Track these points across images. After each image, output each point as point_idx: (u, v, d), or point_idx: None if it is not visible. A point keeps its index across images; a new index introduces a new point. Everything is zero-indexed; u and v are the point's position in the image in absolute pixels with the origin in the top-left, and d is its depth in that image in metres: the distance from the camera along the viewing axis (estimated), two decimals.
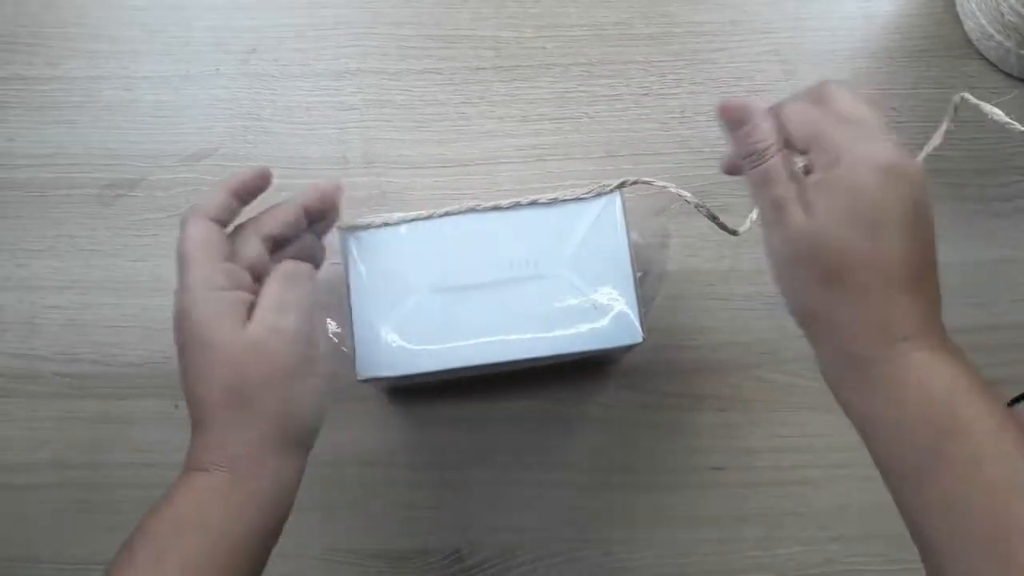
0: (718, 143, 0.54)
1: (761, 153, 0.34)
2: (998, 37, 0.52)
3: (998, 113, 0.37)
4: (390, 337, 0.42)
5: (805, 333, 0.34)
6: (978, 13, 0.53)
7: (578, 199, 0.43)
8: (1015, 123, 0.37)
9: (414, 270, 0.42)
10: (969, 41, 0.55)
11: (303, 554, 0.48)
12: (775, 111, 0.34)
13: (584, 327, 0.42)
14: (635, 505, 0.49)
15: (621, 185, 0.43)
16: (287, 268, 0.38)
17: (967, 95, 0.37)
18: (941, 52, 0.55)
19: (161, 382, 0.51)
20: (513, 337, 0.42)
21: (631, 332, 0.42)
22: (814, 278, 0.33)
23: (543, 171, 0.54)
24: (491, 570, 0.49)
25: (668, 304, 0.51)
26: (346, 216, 0.43)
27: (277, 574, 0.37)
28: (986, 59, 0.55)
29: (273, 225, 0.39)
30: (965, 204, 0.53)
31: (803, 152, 0.34)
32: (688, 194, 0.42)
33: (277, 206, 0.40)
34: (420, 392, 0.50)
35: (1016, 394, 0.48)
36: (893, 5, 0.57)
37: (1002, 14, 0.51)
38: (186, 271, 0.37)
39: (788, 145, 0.34)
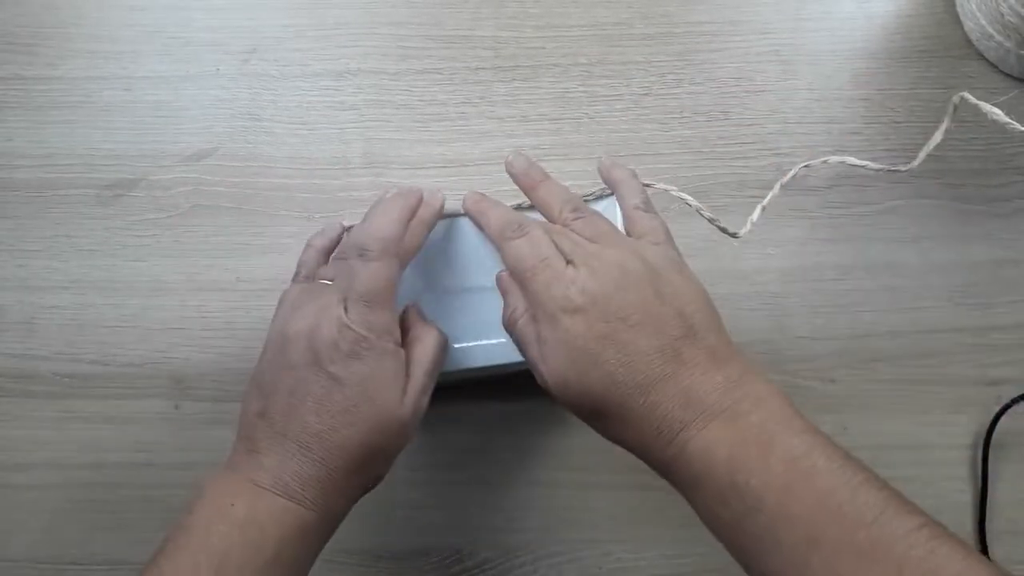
0: (718, 143, 0.54)
1: (511, 319, 0.37)
2: (998, 37, 0.52)
3: (998, 113, 0.37)
4: None
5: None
6: (978, 13, 0.53)
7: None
8: (1015, 123, 0.37)
9: (414, 273, 0.42)
10: (969, 41, 0.55)
11: None
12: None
13: None
14: (635, 505, 0.49)
15: None
16: (439, 342, 0.39)
17: (967, 95, 0.38)
18: (941, 52, 0.55)
19: (161, 382, 0.51)
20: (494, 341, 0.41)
21: None
22: (589, 420, 0.35)
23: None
24: (491, 570, 0.48)
25: None
26: (348, 217, 0.43)
27: None
28: (986, 59, 0.55)
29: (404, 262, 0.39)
30: (965, 204, 0.53)
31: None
32: (689, 197, 0.42)
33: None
34: None
35: (1016, 394, 0.48)
36: (893, 5, 0.57)
37: (1002, 14, 0.51)
38: (371, 310, 0.36)
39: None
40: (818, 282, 0.52)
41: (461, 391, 0.50)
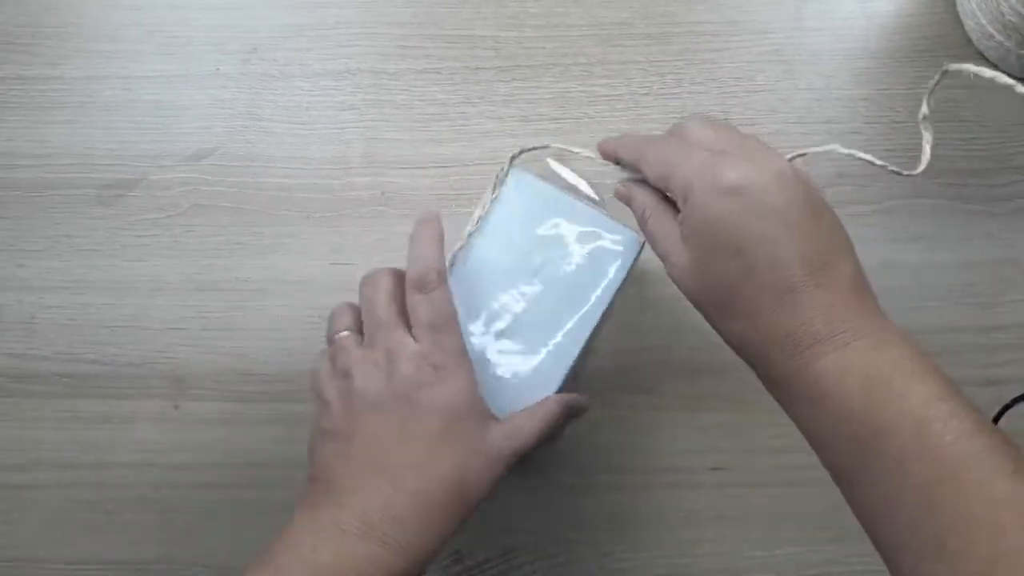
0: None
1: (641, 218, 0.37)
2: (998, 37, 0.52)
3: (987, 72, 0.36)
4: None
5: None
6: (978, 13, 0.53)
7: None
8: (1013, 82, 0.36)
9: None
10: (969, 41, 0.55)
11: None
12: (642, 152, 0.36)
13: (597, 272, 0.41)
14: (635, 505, 0.49)
15: (519, 154, 0.42)
16: (558, 409, 0.38)
17: (954, 65, 0.37)
18: (941, 52, 0.55)
19: (160, 382, 0.51)
20: (564, 331, 0.40)
21: (627, 239, 0.41)
22: (712, 314, 0.34)
23: (543, 171, 0.54)
24: (491, 571, 0.48)
25: (668, 304, 0.51)
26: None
27: None
28: (986, 59, 0.55)
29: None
30: (965, 204, 0.53)
31: (666, 192, 0.35)
32: (856, 152, 0.38)
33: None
34: None
35: (1016, 394, 0.48)
36: (893, 5, 0.57)
37: (1002, 14, 0.51)
38: (443, 335, 0.36)
39: (657, 186, 0.36)
40: None
41: None
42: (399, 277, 0.38)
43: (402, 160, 0.54)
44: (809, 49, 0.56)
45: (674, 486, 0.50)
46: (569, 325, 0.41)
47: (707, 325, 0.51)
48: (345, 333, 0.38)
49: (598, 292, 0.41)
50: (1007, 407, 0.48)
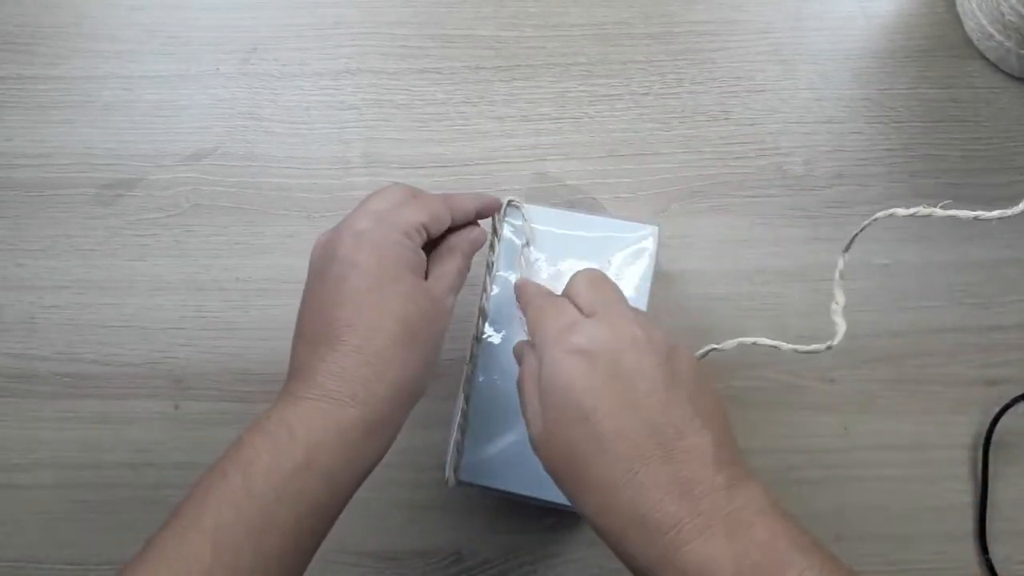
0: (718, 143, 0.54)
1: (519, 380, 0.35)
2: (998, 37, 0.52)
3: (910, 211, 0.35)
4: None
5: None
6: (978, 13, 0.53)
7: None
8: (931, 210, 0.35)
9: None
10: (969, 41, 0.55)
11: None
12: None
13: (631, 269, 0.42)
14: None
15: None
16: (466, 248, 0.39)
17: (882, 213, 0.35)
18: (941, 52, 0.55)
19: (160, 382, 0.51)
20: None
21: (646, 234, 0.42)
22: (567, 488, 0.32)
23: (543, 171, 0.54)
24: (491, 571, 0.48)
25: (668, 304, 0.51)
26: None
27: None
28: (986, 59, 0.55)
29: (457, 213, 0.39)
30: (965, 204, 0.53)
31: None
32: (942, 211, 0.36)
33: (463, 198, 0.40)
34: None
35: (1016, 394, 0.48)
36: (893, 5, 0.57)
37: (1002, 14, 0.51)
38: (385, 214, 0.36)
39: None
40: (818, 282, 0.52)
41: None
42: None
43: (402, 160, 0.54)
44: (809, 49, 0.56)
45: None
46: None
47: (707, 325, 0.51)
48: None
49: (636, 281, 0.43)
50: (1007, 407, 0.48)
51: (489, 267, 0.43)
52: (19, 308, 0.52)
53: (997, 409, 0.48)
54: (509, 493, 0.42)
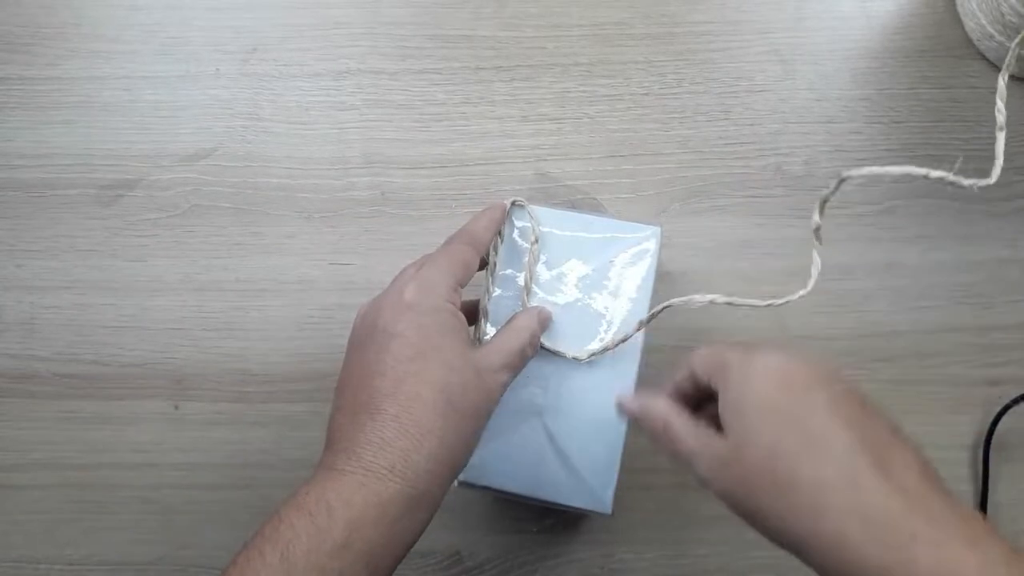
0: (718, 143, 0.54)
1: (662, 425, 0.35)
2: (999, 37, 0.52)
3: (887, 169, 0.36)
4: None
5: (798, 557, 0.30)
6: (978, 13, 0.53)
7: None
8: (923, 171, 0.36)
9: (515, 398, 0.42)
10: (969, 41, 0.55)
11: None
12: (686, 367, 0.36)
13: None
14: (635, 505, 0.49)
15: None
16: (536, 328, 0.39)
17: (853, 171, 0.36)
18: (941, 52, 0.55)
19: (159, 382, 0.51)
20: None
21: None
22: (763, 498, 0.30)
23: (543, 171, 0.54)
24: (491, 571, 0.48)
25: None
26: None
27: None
28: (986, 59, 0.55)
29: (479, 245, 0.40)
30: (965, 204, 0.53)
31: (711, 386, 0.34)
32: (921, 170, 0.37)
33: (475, 228, 0.41)
34: None
35: (1016, 394, 0.48)
36: (893, 5, 0.57)
37: (1002, 14, 0.51)
38: (427, 276, 0.36)
39: (698, 388, 0.35)
40: (818, 282, 0.52)
41: None
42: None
43: (402, 160, 0.54)
44: (809, 49, 0.56)
45: (674, 486, 0.50)
46: (625, 321, 0.42)
47: (707, 325, 0.51)
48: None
49: (638, 283, 0.43)
50: (1007, 407, 0.48)
51: (492, 267, 0.43)
52: (19, 308, 0.52)
53: (997, 409, 0.48)
54: (510, 493, 0.42)
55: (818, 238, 0.37)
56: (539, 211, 0.43)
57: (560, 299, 0.42)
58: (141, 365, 0.51)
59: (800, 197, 0.53)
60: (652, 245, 0.43)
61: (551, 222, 0.43)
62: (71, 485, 0.50)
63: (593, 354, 0.41)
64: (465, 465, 0.35)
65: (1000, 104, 0.36)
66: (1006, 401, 0.48)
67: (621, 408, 0.40)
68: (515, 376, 0.38)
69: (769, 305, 0.37)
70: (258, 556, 0.30)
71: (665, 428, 0.35)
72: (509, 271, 0.43)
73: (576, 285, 0.43)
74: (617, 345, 0.41)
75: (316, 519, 0.30)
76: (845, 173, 0.35)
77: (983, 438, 0.48)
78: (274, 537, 0.30)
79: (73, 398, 0.51)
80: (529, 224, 0.43)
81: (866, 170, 0.36)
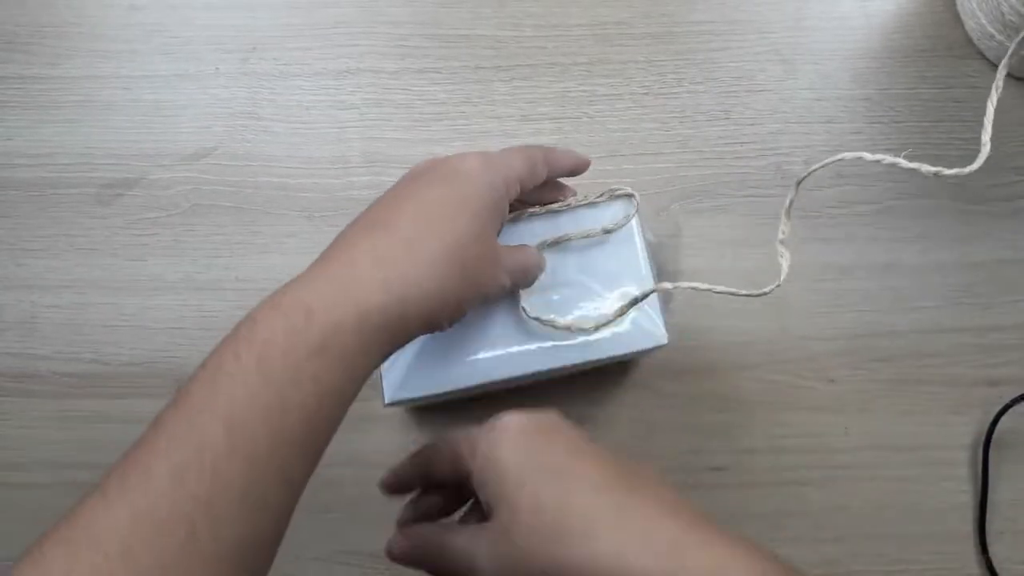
0: (718, 143, 0.54)
1: (442, 561, 0.33)
2: (998, 37, 0.52)
3: (873, 156, 0.37)
4: (413, 356, 0.41)
5: None
6: (979, 13, 0.53)
7: (592, 204, 0.43)
8: (897, 160, 0.37)
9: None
10: (970, 41, 0.55)
11: (302, 555, 0.48)
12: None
13: (607, 333, 0.41)
14: None
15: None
16: (538, 256, 0.41)
17: (849, 154, 0.37)
18: (941, 52, 0.55)
19: (160, 382, 0.51)
20: (536, 347, 0.41)
21: (655, 335, 0.42)
22: (545, 558, 0.29)
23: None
24: None
25: (668, 304, 0.51)
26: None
27: (276, 575, 0.37)
28: (986, 59, 0.55)
29: (555, 170, 0.40)
30: (965, 204, 0.53)
31: (456, 473, 0.34)
32: (898, 159, 0.38)
33: (561, 155, 0.41)
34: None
35: (1016, 394, 0.48)
36: (893, 5, 0.57)
37: (1003, 14, 0.51)
38: (490, 160, 0.36)
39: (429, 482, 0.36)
40: (818, 282, 0.52)
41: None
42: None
43: (402, 160, 0.54)
44: (809, 49, 0.56)
45: (674, 486, 0.49)
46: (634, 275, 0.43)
47: (707, 325, 0.51)
48: None
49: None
50: (1007, 407, 0.48)
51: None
52: (19, 308, 0.52)
53: (997, 409, 0.48)
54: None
55: (784, 244, 0.38)
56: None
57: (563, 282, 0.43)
58: (141, 364, 0.51)
59: (801, 197, 0.53)
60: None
61: (533, 232, 0.43)
62: (70, 484, 0.50)
63: (598, 325, 0.41)
64: (443, 326, 0.34)
65: (994, 96, 0.37)
66: (1006, 401, 0.48)
67: (392, 557, 0.35)
68: (510, 290, 0.39)
69: (749, 295, 0.38)
70: (233, 358, 0.28)
71: (443, 549, 0.32)
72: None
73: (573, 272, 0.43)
74: (616, 318, 0.41)
75: (292, 319, 0.29)
76: (801, 175, 0.36)
77: (983, 438, 0.48)
78: (249, 338, 0.29)
79: (73, 397, 0.51)
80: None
81: (814, 166, 0.38)
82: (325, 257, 0.32)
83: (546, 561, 0.29)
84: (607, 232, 0.43)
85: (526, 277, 0.40)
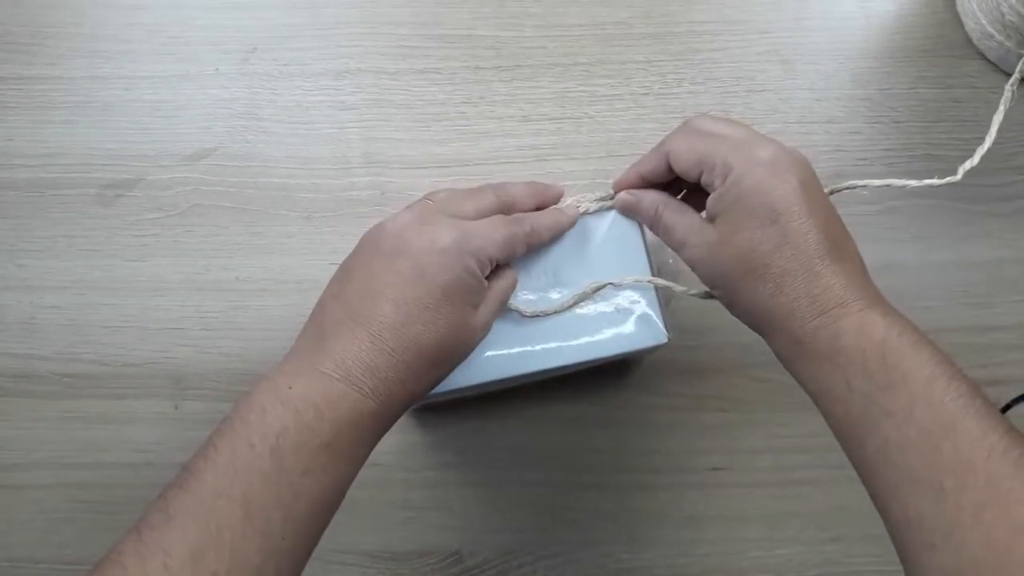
0: None
1: (655, 215, 0.40)
2: (998, 37, 0.52)
3: (872, 182, 0.42)
4: None
5: (759, 333, 0.37)
6: (978, 13, 0.53)
7: (595, 212, 0.43)
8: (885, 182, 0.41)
9: None
10: (969, 41, 0.55)
11: None
12: (660, 154, 0.39)
13: (608, 332, 0.42)
14: (635, 505, 0.49)
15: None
16: (514, 278, 0.41)
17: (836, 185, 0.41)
18: (941, 52, 0.55)
19: (160, 382, 0.51)
20: (539, 347, 0.41)
21: (655, 333, 0.42)
22: (738, 282, 0.36)
23: (543, 171, 0.54)
24: (491, 571, 0.48)
25: (670, 303, 0.51)
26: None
27: None
28: (986, 59, 0.55)
29: (543, 236, 0.41)
30: (965, 204, 0.53)
31: (697, 179, 0.38)
32: (899, 181, 0.42)
33: (546, 221, 0.41)
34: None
35: (1016, 395, 0.48)
36: (893, 5, 0.57)
37: (1002, 14, 0.51)
38: (472, 232, 0.37)
39: (683, 178, 0.39)
40: None
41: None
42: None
43: (402, 160, 0.54)
44: (809, 49, 0.56)
45: (674, 486, 0.50)
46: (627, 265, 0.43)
47: (707, 325, 0.51)
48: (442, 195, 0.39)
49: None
50: (1007, 407, 0.48)
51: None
52: (19, 308, 0.52)
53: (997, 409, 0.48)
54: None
55: None
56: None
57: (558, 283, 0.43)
58: (141, 365, 0.51)
59: None
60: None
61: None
62: (71, 485, 0.50)
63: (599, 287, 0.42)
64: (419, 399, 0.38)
65: (1001, 109, 0.38)
66: (1006, 401, 0.48)
67: (617, 202, 0.42)
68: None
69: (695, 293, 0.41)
70: (247, 447, 0.31)
71: (658, 217, 0.40)
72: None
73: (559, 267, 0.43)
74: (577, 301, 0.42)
75: (304, 418, 0.32)
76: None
77: None
78: (261, 428, 0.32)
79: (73, 398, 0.51)
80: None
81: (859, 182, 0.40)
82: (320, 347, 0.34)
83: (737, 288, 0.36)
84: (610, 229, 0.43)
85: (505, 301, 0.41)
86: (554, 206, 0.42)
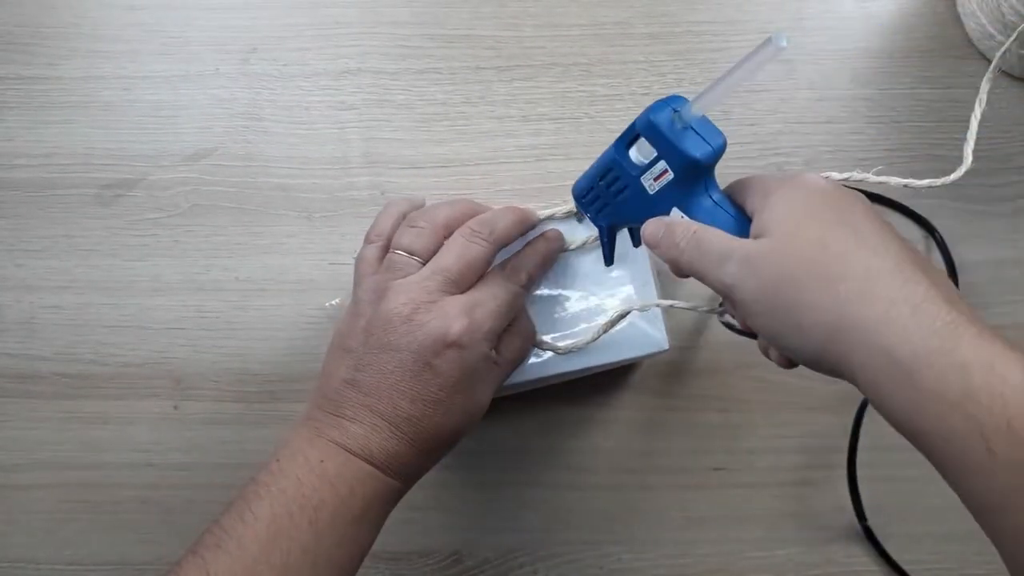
0: None
1: (692, 237, 0.35)
2: (998, 37, 0.52)
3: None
4: None
5: (832, 368, 0.31)
6: (979, 13, 0.53)
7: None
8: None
9: None
10: (969, 41, 0.55)
11: None
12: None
13: (609, 340, 0.42)
14: (635, 505, 0.49)
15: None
16: (530, 337, 0.42)
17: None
18: (941, 52, 0.55)
19: (159, 382, 0.51)
20: (540, 357, 0.42)
21: (656, 341, 0.42)
22: (804, 291, 0.30)
23: (543, 171, 0.54)
24: (491, 571, 0.48)
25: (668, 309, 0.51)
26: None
27: None
28: (987, 59, 0.55)
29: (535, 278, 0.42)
30: (965, 204, 0.53)
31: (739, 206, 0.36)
32: (893, 178, 0.40)
33: (535, 266, 0.42)
34: None
35: None
36: (893, 5, 0.57)
37: (1003, 14, 0.51)
38: (477, 312, 0.38)
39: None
40: None
41: None
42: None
43: (402, 160, 0.54)
44: (809, 49, 0.56)
45: (674, 486, 0.50)
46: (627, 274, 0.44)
47: (707, 325, 0.51)
48: (407, 241, 0.40)
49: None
50: None
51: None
52: (19, 308, 0.52)
53: None
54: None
55: None
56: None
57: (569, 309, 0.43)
58: (141, 365, 0.51)
59: None
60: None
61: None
62: (71, 485, 0.50)
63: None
64: None
65: (982, 95, 0.37)
66: None
67: (645, 232, 0.37)
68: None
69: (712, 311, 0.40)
70: (286, 516, 0.34)
71: (695, 234, 0.35)
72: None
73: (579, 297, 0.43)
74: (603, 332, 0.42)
75: (338, 490, 0.35)
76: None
77: None
78: (299, 500, 0.34)
79: (73, 398, 0.51)
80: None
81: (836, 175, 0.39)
82: (338, 425, 0.37)
83: (802, 300, 0.30)
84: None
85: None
86: (541, 235, 0.43)
